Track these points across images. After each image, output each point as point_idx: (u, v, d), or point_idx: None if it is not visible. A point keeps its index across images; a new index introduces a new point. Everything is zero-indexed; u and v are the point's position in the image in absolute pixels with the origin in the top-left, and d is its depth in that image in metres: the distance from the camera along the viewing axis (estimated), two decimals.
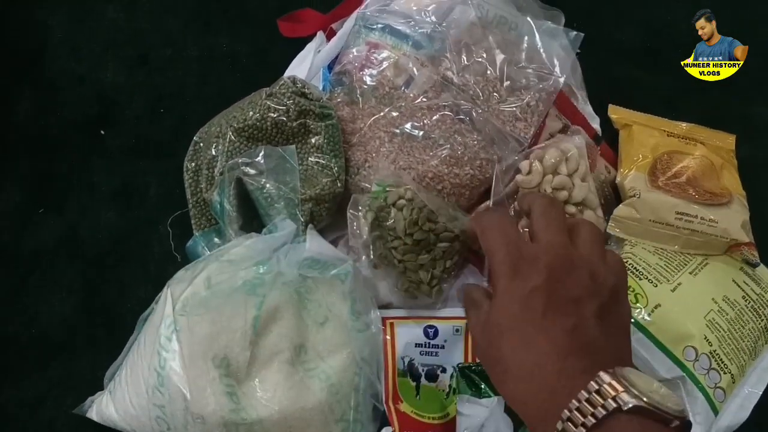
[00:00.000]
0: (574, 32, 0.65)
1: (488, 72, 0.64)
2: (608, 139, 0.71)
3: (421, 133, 0.62)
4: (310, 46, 0.74)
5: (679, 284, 0.59)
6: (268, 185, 0.58)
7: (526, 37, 0.65)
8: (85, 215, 0.69)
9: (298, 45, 0.76)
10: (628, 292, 0.57)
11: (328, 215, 0.61)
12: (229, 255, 0.54)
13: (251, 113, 0.60)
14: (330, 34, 0.74)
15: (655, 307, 0.57)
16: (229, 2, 0.82)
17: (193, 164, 0.64)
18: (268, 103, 0.60)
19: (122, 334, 0.58)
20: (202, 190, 0.62)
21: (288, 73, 0.73)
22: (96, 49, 0.79)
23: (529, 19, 0.64)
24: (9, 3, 0.81)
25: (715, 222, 0.63)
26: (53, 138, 0.73)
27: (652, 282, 0.58)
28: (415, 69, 0.65)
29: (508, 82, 0.63)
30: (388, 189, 0.57)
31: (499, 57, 0.64)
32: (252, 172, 0.58)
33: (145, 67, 0.78)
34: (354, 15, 0.71)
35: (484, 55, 0.64)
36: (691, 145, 0.70)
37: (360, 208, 0.58)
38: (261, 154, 0.58)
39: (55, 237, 0.68)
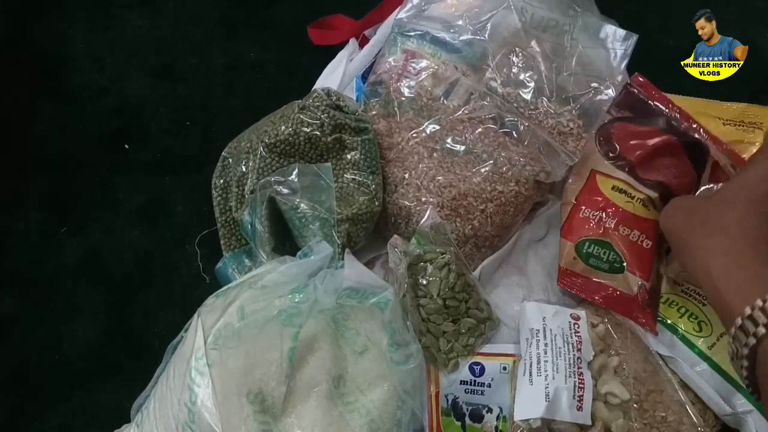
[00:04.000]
0: (628, 33, 0.61)
1: (534, 80, 0.60)
2: None
3: (463, 147, 0.59)
4: (342, 55, 0.71)
5: None
6: (302, 205, 0.54)
7: (575, 42, 0.60)
8: (108, 235, 0.67)
9: (328, 53, 0.73)
10: (690, 319, 0.54)
11: (365, 236, 0.57)
12: (263, 281, 0.51)
13: (283, 128, 0.57)
14: (363, 42, 0.71)
15: (722, 335, 0.53)
16: (255, 8, 0.79)
17: (222, 181, 0.60)
18: (301, 116, 0.57)
19: (149, 362, 0.55)
20: (232, 209, 0.59)
21: (319, 83, 0.70)
22: (119, 59, 0.76)
23: (580, 21, 0.60)
24: (28, 13, 0.79)
25: None
26: (75, 153, 0.71)
27: None
28: (455, 78, 0.61)
29: (557, 91, 0.59)
30: (424, 246, 0.54)
31: (546, 64, 0.60)
32: (285, 191, 0.55)
33: (170, 77, 0.75)
34: (388, 21, 0.67)
35: (530, 63, 0.60)
36: (750, 132, 0.66)
37: (397, 250, 0.54)
38: (295, 172, 0.55)
39: (78, 258, 0.65)
